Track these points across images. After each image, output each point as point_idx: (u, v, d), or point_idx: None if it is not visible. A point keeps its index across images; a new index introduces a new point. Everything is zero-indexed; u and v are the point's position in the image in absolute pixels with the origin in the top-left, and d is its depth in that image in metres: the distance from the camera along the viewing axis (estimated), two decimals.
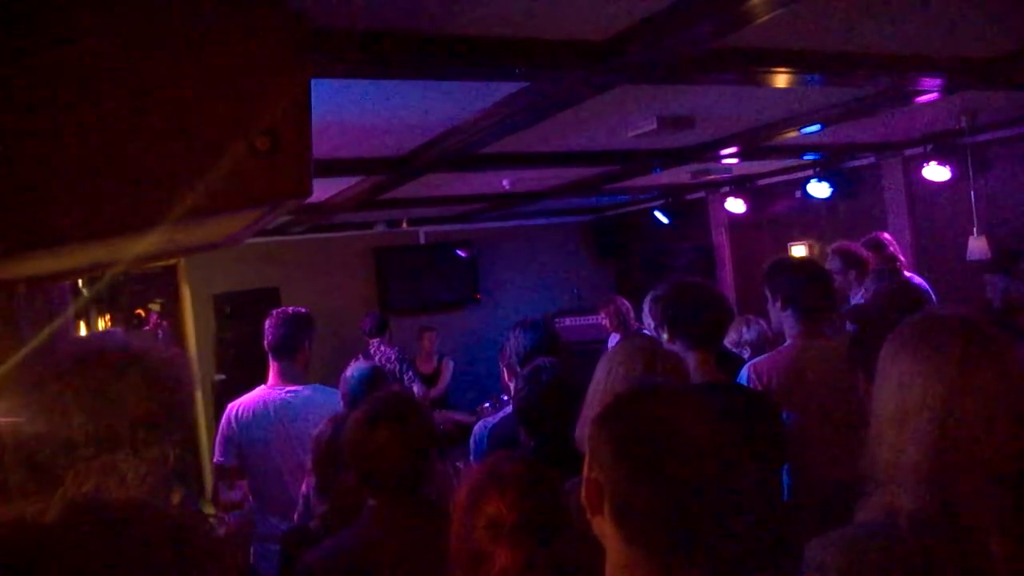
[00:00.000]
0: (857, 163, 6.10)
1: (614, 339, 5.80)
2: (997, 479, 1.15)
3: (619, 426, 1.12)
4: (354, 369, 3.07)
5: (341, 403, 3.16)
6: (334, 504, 2.28)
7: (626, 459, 1.09)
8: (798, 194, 6.42)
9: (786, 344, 2.81)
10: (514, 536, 1.37)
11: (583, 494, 1.14)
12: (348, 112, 3.07)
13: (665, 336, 2.49)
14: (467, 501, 1.44)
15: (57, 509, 0.61)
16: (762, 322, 3.72)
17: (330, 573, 1.78)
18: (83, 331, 3.75)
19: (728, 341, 3.65)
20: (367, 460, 1.85)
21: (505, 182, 5.52)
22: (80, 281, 3.38)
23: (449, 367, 6.64)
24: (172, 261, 7.20)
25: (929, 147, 5.30)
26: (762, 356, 2.88)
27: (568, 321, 7.62)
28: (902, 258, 4.42)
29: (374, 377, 2.97)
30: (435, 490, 2.04)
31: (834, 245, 4.20)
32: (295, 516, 2.73)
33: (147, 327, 6.74)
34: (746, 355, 3.48)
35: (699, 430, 1.09)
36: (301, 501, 2.72)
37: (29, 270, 1.49)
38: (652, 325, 2.58)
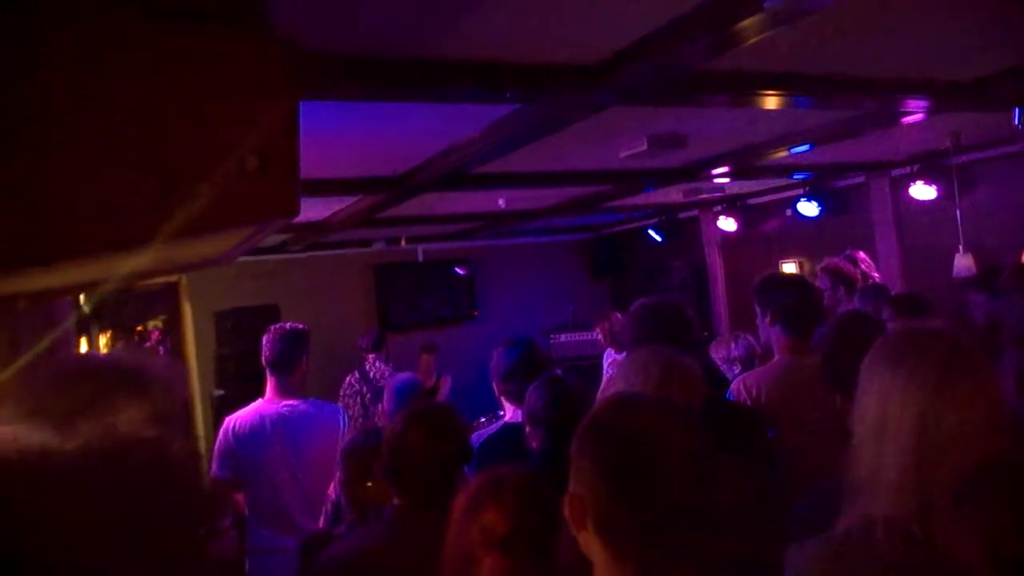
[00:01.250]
0: (846, 182, 6.18)
1: (609, 355, 5.85)
2: (971, 489, 1.19)
3: (599, 442, 1.12)
4: (401, 383, 3.12)
5: (341, 416, 3.22)
6: (363, 510, 2.34)
7: (606, 475, 1.08)
8: (788, 212, 6.50)
9: (775, 359, 2.86)
10: (505, 546, 1.40)
11: (566, 510, 1.14)
12: (345, 132, 3.13)
13: None
14: (466, 505, 1.49)
15: (75, 442, 0.65)
16: (751, 338, 3.77)
17: (348, 566, 1.83)
18: (84, 348, 3.79)
19: (717, 357, 3.69)
20: (400, 459, 1.93)
21: (501, 201, 5.59)
22: (81, 298, 3.43)
23: (447, 383, 6.68)
24: (173, 279, 7.23)
25: (916, 167, 5.39)
26: (751, 371, 2.92)
27: (564, 337, 7.67)
28: (875, 275, 4.48)
29: (417, 387, 3.03)
30: None
31: (822, 263, 4.26)
32: (321, 520, 2.75)
33: (148, 344, 6.78)
34: (736, 371, 3.52)
35: (680, 445, 1.08)
36: (329, 505, 2.74)
37: (24, 286, 1.53)
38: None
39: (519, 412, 2.75)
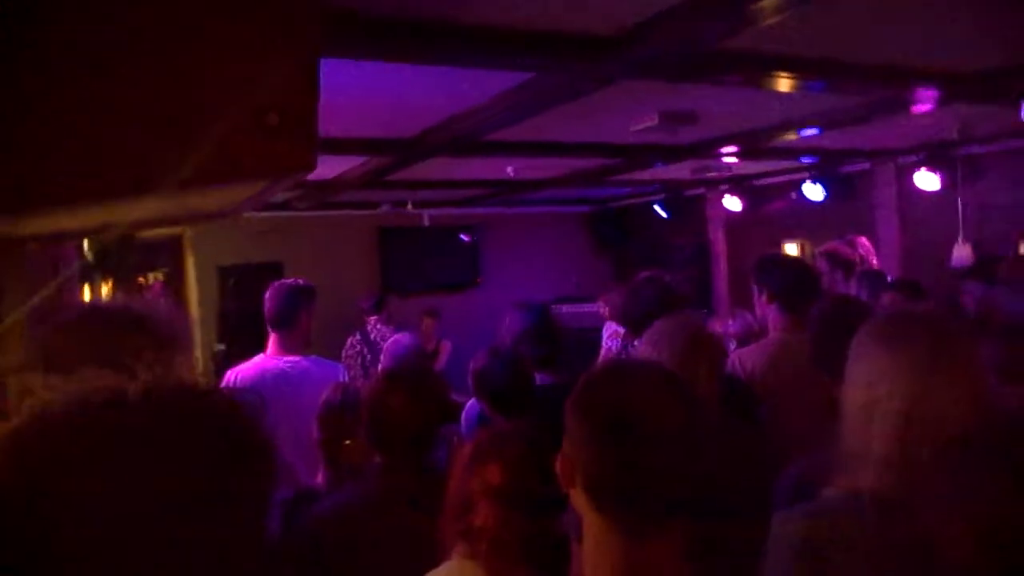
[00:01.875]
0: (852, 168, 6.18)
1: (609, 327, 5.89)
2: (953, 465, 1.22)
3: (589, 403, 1.15)
4: (397, 345, 3.15)
5: (342, 374, 3.26)
6: (340, 468, 2.38)
7: (594, 437, 1.11)
8: (793, 195, 6.50)
9: (769, 336, 2.91)
10: (500, 495, 1.47)
11: (558, 468, 1.17)
12: (357, 92, 3.14)
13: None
14: (470, 457, 1.55)
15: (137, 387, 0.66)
16: (749, 316, 3.81)
17: (331, 524, 1.88)
18: (87, 296, 3.82)
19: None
20: (381, 418, 1.96)
21: (509, 169, 5.59)
22: (85, 246, 3.46)
23: (447, 348, 6.75)
24: (178, 231, 7.26)
25: (921, 155, 5.38)
26: (746, 347, 2.98)
27: (566, 308, 7.70)
28: (874, 261, 4.52)
29: (414, 351, 3.06)
30: (441, 457, 2.14)
31: (821, 247, 4.29)
32: (320, 476, 2.81)
33: (150, 295, 6.83)
34: (731, 347, 3.57)
35: (667, 408, 1.10)
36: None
37: (36, 228, 1.56)
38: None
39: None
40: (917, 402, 1.27)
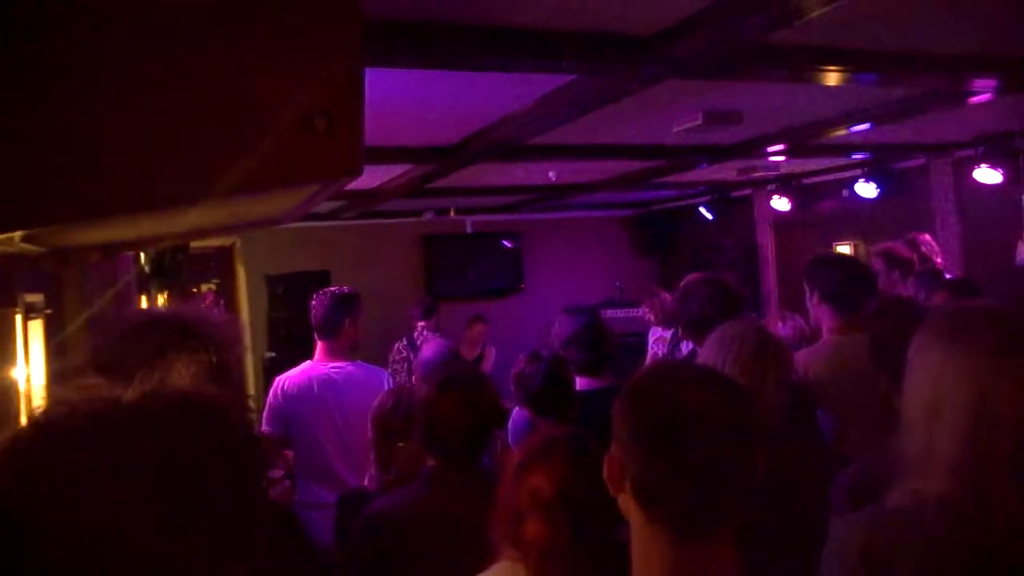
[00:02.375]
0: (906, 164, 6.00)
1: (654, 332, 5.83)
2: None
3: (637, 405, 1.13)
4: (429, 349, 3.19)
5: (385, 379, 3.29)
6: (392, 471, 2.41)
7: (642, 438, 1.10)
8: (845, 193, 6.34)
9: (823, 339, 2.84)
10: (550, 509, 1.45)
11: (605, 471, 1.15)
12: (399, 100, 3.16)
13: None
14: (518, 465, 1.55)
15: (134, 393, 0.68)
16: (800, 319, 3.73)
17: (385, 525, 1.92)
18: (144, 305, 3.94)
19: None
20: (435, 421, 2.00)
21: (551, 173, 5.58)
22: (142, 258, 3.55)
23: (492, 354, 6.76)
24: (228, 242, 7.44)
25: (980, 149, 5.19)
26: (800, 350, 2.92)
27: (610, 313, 7.64)
28: (938, 260, 4.37)
29: (452, 356, 3.10)
30: (492, 462, 2.16)
31: (877, 246, 4.17)
32: (366, 479, 2.84)
33: (204, 304, 6.99)
34: None
35: (718, 410, 1.08)
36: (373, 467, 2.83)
37: (91, 239, 1.60)
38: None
39: (579, 380, 2.80)
40: (985, 400, 1.22)
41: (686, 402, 1.09)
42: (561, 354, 2.84)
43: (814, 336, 3.22)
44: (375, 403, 2.65)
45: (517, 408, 3.17)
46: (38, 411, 0.67)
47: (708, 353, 2.12)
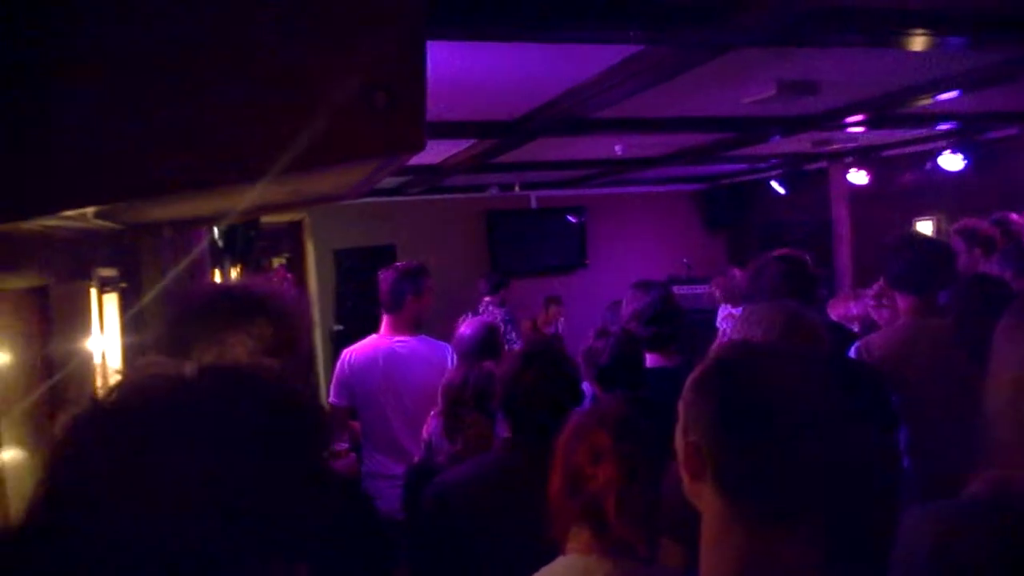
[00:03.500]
0: (995, 134, 5.68)
1: (724, 310, 5.72)
2: None
3: (720, 386, 1.07)
4: (468, 326, 3.21)
5: (448, 353, 3.32)
6: (460, 443, 2.46)
7: (730, 421, 1.04)
8: (928, 166, 6.06)
9: (899, 322, 2.74)
10: (615, 456, 1.48)
11: (681, 459, 1.10)
12: (463, 74, 3.15)
13: None
14: (571, 435, 1.56)
15: (191, 369, 0.69)
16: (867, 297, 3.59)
17: (456, 496, 1.95)
18: (217, 279, 4.06)
19: (834, 315, 3.55)
20: (514, 396, 2.03)
21: (618, 148, 5.50)
22: (215, 233, 3.65)
23: (562, 330, 6.89)
24: (297, 218, 7.60)
25: None
26: (873, 333, 2.82)
27: (677, 290, 7.53)
28: None
29: (489, 334, 3.11)
30: None
31: (956, 224, 3.97)
32: (415, 460, 2.89)
33: (274, 278, 7.19)
34: (855, 329, 3.39)
35: (809, 395, 1.04)
36: (423, 445, 2.87)
37: (163, 214, 1.65)
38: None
39: (648, 357, 2.77)
40: None
41: (774, 384, 1.04)
42: (631, 330, 2.80)
43: (892, 318, 3.09)
44: (445, 376, 2.68)
45: (586, 384, 3.16)
46: (104, 388, 0.69)
47: (738, 329, 2.08)
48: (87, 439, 0.63)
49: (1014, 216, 4.19)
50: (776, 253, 2.74)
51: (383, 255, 6.66)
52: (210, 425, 0.64)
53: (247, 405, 0.67)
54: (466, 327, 3.22)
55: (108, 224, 1.49)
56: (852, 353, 2.65)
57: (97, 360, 1.57)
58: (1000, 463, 1.21)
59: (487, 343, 3.10)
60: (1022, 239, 3.96)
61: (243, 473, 0.63)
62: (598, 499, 1.45)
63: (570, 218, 8.46)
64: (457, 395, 2.54)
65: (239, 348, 1.36)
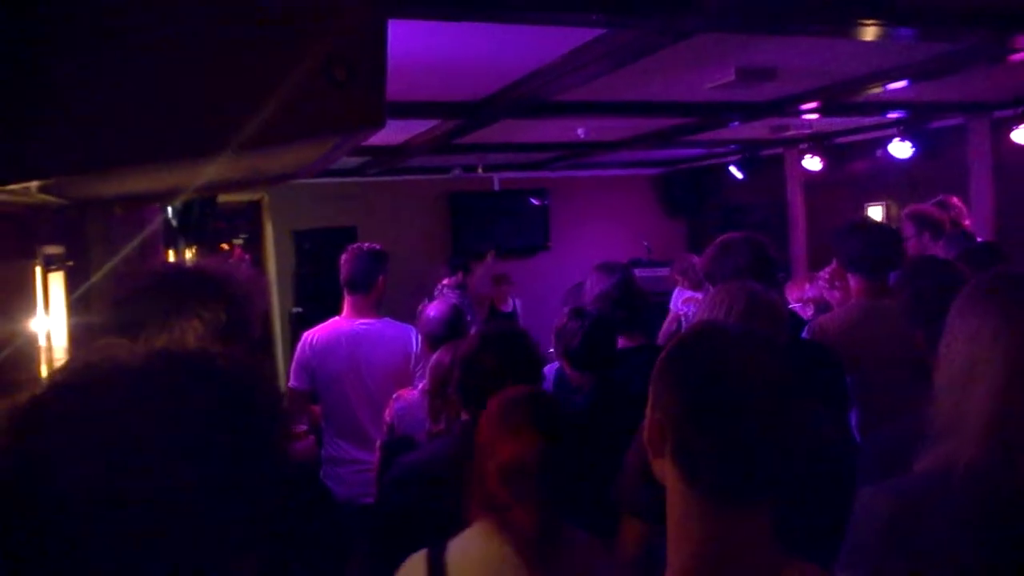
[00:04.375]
0: (942, 123, 5.84)
1: (682, 293, 5.79)
2: None
3: (683, 366, 1.10)
4: (434, 308, 3.19)
5: (413, 335, 3.30)
6: (442, 422, 2.46)
7: (690, 399, 1.06)
8: (878, 153, 6.21)
9: (851, 302, 2.81)
10: (523, 431, 1.54)
11: (645, 435, 1.12)
12: (425, 53, 3.12)
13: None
14: (485, 430, 1.63)
15: (139, 354, 0.68)
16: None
17: (415, 477, 1.97)
18: (170, 259, 3.97)
19: (791, 298, 3.62)
20: (470, 378, 2.02)
21: (580, 131, 5.51)
22: (169, 211, 3.57)
23: (519, 306, 6.89)
24: (256, 197, 7.47)
25: (1021, 109, 5.05)
26: (828, 313, 2.89)
27: (638, 272, 7.59)
28: (967, 222, 4.27)
29: (456, 316, 3.10)
30: None
31: (906, 209, 4.09)
32: (378, 443, 2.86)
33: (231, 259, 7.07)
34: (809, 312, 3.46)
35: (765, 375, 1.06)
36: (385, 428, 2.85)
37: (114, 190, 1.60)
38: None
39: None
40: (1021, 362, 1.18)
41: (735, 365, 1.06)
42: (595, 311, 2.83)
43: (842, 299, 3.17)
44: (434, 356, 2.66)
45: (547, 367, 3.17)
46: (55, 371, 0.68)
47: (701, 311, 2.11)
48: (36, 423, 0.62)
49: (955, 200, 4.32)
50: (741, 234, 2.77)
51: (344, 237, 6.57)
52: (160, 411, 0.64)
53: (199, 390, 0.66)
54: (432, 309, 3.20)
55: (53, 199, 1.44)
56: (805, 333, 2.71)
57: (42, 342, 1.52)
58: (947, 439, 1.25)
59: (454, 325, 3.08)
60: (959, 222, 4.09)
61: (194, 461, 0.63)
62: (501, 481, 1.51)
63: (533, 200, 8.46)
64: (447, 375, 2.51)
65: (190, 332, 1.33)
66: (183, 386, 0.66)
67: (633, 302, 2.94)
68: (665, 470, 1.09)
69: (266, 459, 0.69)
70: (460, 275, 6.34)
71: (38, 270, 1.52)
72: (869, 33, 2.85)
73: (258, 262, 7.59)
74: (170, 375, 0.66)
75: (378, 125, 1.12)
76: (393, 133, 5.08)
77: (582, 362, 2.55)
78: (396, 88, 3.71)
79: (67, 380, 0.66)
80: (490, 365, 2.00)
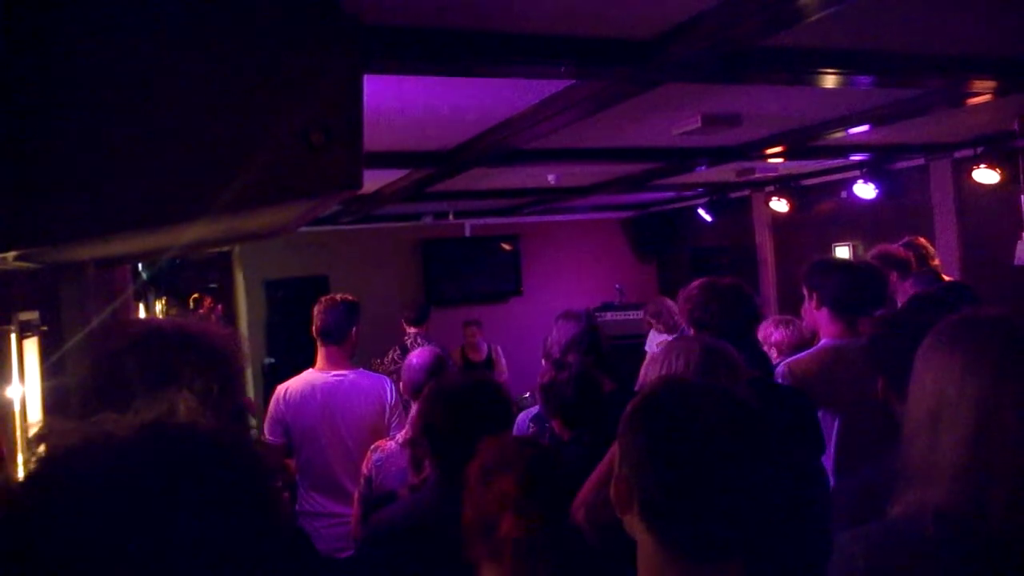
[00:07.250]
0: (905, 164, 6.01)
1: (654, 337, 5.83)
2: None
3: (647, 422, 1.10)
4: (417, 356, 3.17)
5: (388, 386, 3.27)
6: (425, 471, 2.39)
7: (654, 458, 1.06)
8: (844, 195, 6.36)
9: (821, 344, 2.82)
10: (519, 507, 1.48)
11: (612, 491, 1.12)
12: (396, 105, 3.15)
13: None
14: (480, 476, 1.56)
15: (128, 428, 0.67)
16: (799, 323, 3.70)
17: (387, 535, 1.92)
18: (142, 313, 3.92)
19: (762, 339, 3.64)
20: (429, 434, 1.98)
21: (551, 177, 5.58)
22: (139, 265, 3.53)
23: (500, 352, 6.78)
24: (227, 248, 7.43)
25: (980, 149, 5.21)
26: (798, 355, 2.89)
27: (610, 316, 7.64)
28: (935, 262, 4.37)
29: (438, 363, 3.07)
30: None
31: (873, 250, 4.16)
32: (356, 495, 2.82)
33: (202, 310, 6.98)
34: (772, 356, 3.46)
35: (730, 427, 1.06)
36: (363, 481, 2.80)
37: (92, 253, 1.59)
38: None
39: None
40: (990, 411, 1.20)
41: (700, 423, 1.06)
42: (564, 360, 2.82)
43: (814, 341, 3.20)
44: (415, 407, 2.63)
45: (523, 413, 3.15)
46: (41, 449, 0.67)
47: (657, 366, 2.07)
48: (33, 503, 0.61)
49: (921, 240, 4.43)
50: (717, 279, 2.79)
51: (316, 286, 6.54)
52: (157, 491, 0.63)
53: (191, 470, 0.66)
54: (415, 356, 3.18)
55: (28, 265, 1.43)
56: (777, 375, 2.71)
57: (16, 407, 1.49)
58: (917, 485, 1.26)
59: (436, 373, 3.07)
60: (927, 260, 4.18)
61: (196, 545, 0.62)
62: (503, 545, 1.47)
63: (504, 246, 8.52)
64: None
65: (181, 404, 1.30)
66: (181, 465, 0.65)
67: (600, 347, 2.95)
68: (634, 525, 1.09)
69: (266, 539, 0.68)
70: (426, 325, 6.27)
71: (13, 337, 1.49)
72: (829, 81, 2.95)
73: (229, 312, 7.50)
74: (168, 453, 0.66)
75: (355, 188, 1.14)
76: (365, 182, 5.09)
77: (577, 417, 2.53)
78: (368, 138, 3.72)
79: (65, 459, 0.65)
80: (445, 420, 1.95)
